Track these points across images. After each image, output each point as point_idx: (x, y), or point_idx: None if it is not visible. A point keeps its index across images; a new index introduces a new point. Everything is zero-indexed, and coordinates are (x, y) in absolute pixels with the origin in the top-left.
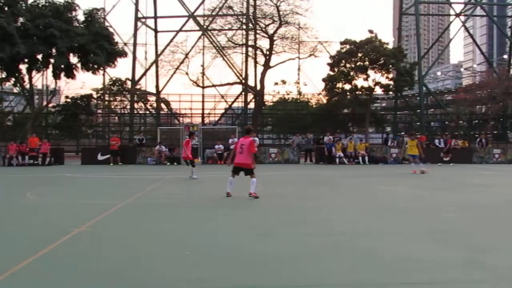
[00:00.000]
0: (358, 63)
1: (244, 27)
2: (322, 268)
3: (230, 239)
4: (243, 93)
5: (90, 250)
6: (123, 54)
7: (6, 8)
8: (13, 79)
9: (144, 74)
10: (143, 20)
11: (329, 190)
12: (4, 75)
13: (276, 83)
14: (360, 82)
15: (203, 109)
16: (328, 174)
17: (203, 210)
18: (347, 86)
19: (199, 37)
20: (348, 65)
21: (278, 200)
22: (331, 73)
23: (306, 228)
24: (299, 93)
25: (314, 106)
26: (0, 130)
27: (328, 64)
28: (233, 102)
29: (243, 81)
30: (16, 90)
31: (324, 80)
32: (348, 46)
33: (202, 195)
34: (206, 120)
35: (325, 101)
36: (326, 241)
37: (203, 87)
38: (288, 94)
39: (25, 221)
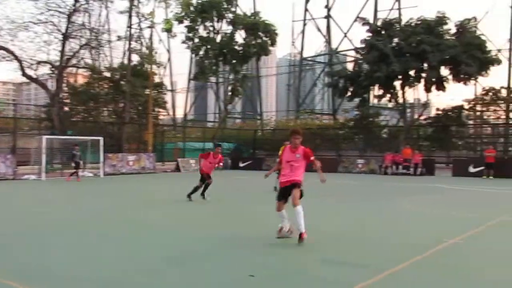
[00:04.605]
0: None
1: None
2: None
3: None
4: None
5: (463, 262)
6: (496, 61)
7: (383, 32)
8: (389, 95)
9: None
10: None
11: None
12: (381, 92)
13: None
14: None
15: None
16: None
17: None
18: None
19: None
20: None
21: None
22: None
23: None
24: None
25: None
26: (376, 141)
27: None
28: None
29: None
30: (390, 105)
31: None
32: None
33: None
34: None
35: None
36: None
37: None
38: None
39: (400, 226)
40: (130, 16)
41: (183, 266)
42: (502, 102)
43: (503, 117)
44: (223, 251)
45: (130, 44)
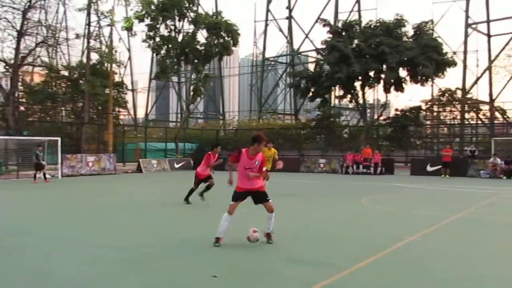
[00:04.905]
0: None
1: None
2: None
3: None
4: None
5: (421, 259)
6: (452, 63)
7: (343, 33)
8: (349, 95)
9: (476, 82)
10: (474, 26)
11: None
12: (342, 92)
13: None
14: None
15: None
16: None
17: None
18: None
19: None
20: None
21: None
22: None
23: None
24: None
25: None
26: (338, 141)
27: None
28: None
29: None
30: (351, 105)
31: None
32: None
33: None
34: None
35: None
36: None
37: None
38: None
39: (361, 225)
40: (88, 14)
41: (145, 268)
42: (458, 103)
43: (459, 117)
44: (186, 253)
45: (89, 42)
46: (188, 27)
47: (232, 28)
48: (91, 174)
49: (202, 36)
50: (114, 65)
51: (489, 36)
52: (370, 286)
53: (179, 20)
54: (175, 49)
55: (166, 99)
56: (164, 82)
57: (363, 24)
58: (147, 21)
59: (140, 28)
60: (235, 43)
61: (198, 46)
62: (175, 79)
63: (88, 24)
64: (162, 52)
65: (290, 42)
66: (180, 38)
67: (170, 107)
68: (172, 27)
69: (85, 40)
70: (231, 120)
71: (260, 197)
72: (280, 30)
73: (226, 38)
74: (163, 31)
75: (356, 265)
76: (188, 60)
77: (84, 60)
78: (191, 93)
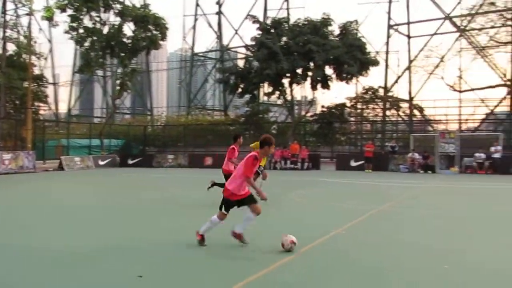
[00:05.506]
0: None
1: (509, 23)
2: None
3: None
4: (508, 96)
5: (347, 250)
6: (375, 62)
7: (272, 30)
8: (277, 92)
9: (396, 81)
10: (395, 27)
11: None
12: (270, 89)
13: None
14: None
15: (460, 114)
16: None
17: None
18: None
19: (456, 39)
20: None
21: None
22: None
23: None
24: None
25: None
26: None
27: None
28: (495, 107)
29: (508, 82)
30: (279, 101)
31: None
32: None
33: (465, 207)
34: (464, 127)
35: None
36: None
37: (460, 91)
38: None
39: (289, 219)
40: (4, 2)
41: (73, 268)
42: (380, 100)
43: (381, 114)
44: (111, 254)
45: (5, 32)
46: (114, 19)
47: (160, 22)
48: (8, 172)
49: (129, 29)
50: (33, 57)
51: (409, 37)
52: (299, 277)
53: (105, 12)
54: (100, 42)
55: (90, 94)
56: (88, 75)
57: (291, 22)
58: (70, 11)
59: (63, 19)
60: (164, 37)
61: (124, 39)
62: (100, 72)
63: (4, 12)
64: (86, 44)
65: (219, 37)
66: (105, 30)
67: (95, 102)
68: (97, 19)
69: (1, 29)
70: (159, 116)
71: (248, 200)
72: (210, 25)
73: (154, 32)
74: (88, 22)
75: (285, 258)
76: (114, 54)
77: (0, 51)
78: (117, 87)
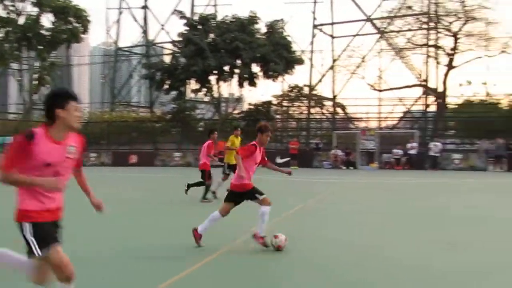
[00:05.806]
0: None
1: (425, 26)
2: None
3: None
4: (423, 95)
5: (269, 249)
6: (300, 61)
7: (199, 26)
8: (205, 89)
9: (321, 80)
10: (320, 27)
11: None
12: (197, 86)
13: (461, 84)
14: None
15: (379, 113)
16: None
17: (388, 218)
18: None
19: (377, 40)
20: None
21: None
22: None
23: None
24: (488, 94)
25: (506, 108)
26: (193, 134)
27: None
28: (412, 105)
29: (423, 83)
30: (206, 98)
31: None
32: None
33: (385, 202)
34: (383, 124)
35: None
36: None
37: (380, 91)
38: (474, 95)
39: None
40: None
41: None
42: (305, 98)
43: (306, 112)
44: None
45: None
46: (31, 9)
47: (82, 14)
48: None
49: (48, 20)
50: None
51: (332, 37)
52: (224, 274)
53: (21, 1)
54: (15, 33)
55: (4, 88)
56: (2, 69)
57: (218, 19)
58: None
59: None
60: (85, 30)
61: (43, 31)
62: (15, 66)
63: None
64: (0, 35)
65: (145, 32)
66: (21, 20)
67: (10, 97)
68: (12, 8)
69: None
70: (82, 112)
71: (253, 192)
72: (135, 19)
73: (75, 24)
74: (1, 12)
75: (209, 257)
76: (31, 46)
77: None
78: (35, 82)
